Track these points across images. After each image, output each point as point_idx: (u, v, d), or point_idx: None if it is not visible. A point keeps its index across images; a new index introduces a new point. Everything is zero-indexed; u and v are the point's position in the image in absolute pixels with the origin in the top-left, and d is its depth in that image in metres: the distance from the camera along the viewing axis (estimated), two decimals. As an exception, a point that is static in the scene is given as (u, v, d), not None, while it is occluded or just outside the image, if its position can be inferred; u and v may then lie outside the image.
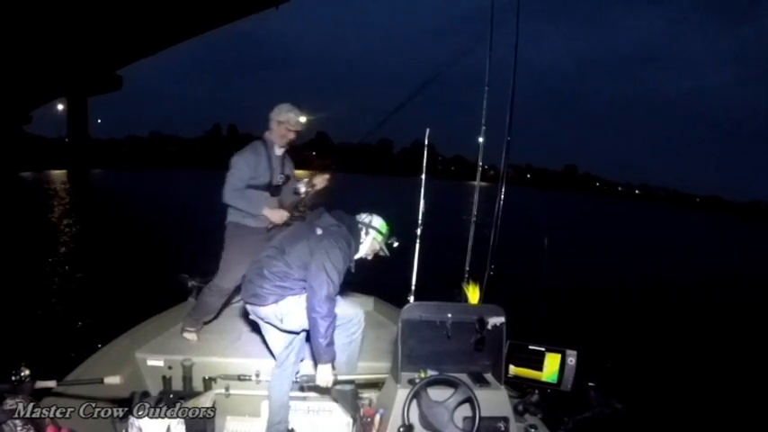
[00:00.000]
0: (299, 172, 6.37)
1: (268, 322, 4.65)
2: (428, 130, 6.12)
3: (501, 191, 5.24)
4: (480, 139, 5.64)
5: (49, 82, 62.40)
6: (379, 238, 4.74)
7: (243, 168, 5.79)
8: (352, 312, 4.79)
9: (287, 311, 4.47)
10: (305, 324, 4.46)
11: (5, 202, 36.51)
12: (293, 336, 4.65)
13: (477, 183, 5.50)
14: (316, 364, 4.51)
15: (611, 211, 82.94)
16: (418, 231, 5.75)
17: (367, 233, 4.67)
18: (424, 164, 5.98)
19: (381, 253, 4.85)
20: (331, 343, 4.37)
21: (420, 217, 5.83)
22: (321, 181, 6.07)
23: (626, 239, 45.17)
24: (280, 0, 50.98)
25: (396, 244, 4.92)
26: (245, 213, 5.88)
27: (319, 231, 4.46)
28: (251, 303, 4.58)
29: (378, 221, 4.77)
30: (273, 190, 5.96)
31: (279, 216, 5.82)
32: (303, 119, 5.97)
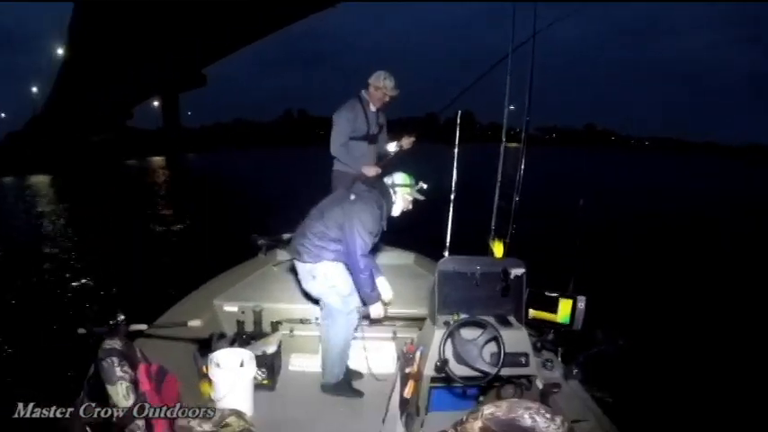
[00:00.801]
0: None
1: (301, 277, 4.68)
2: (459, 112, 6.18)
3: (521, 160, 5.21)
4: (505, 114, 5.60)
5: (145, 83, 63.45)
6: (407, 190, 4.67)
7: (343, 124, 6.12)
8: (352, 319, 4.76)
9: (321, 273, 4.50)
10: (330, 287, 4.54)
11: (116, 185, 38.49)
12: (328, 290, 4.65)
13: (500, 156, 5.46)
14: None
15: (624, 161, 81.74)
16: (452, 197, 5.75)
17: (395, 192, 4.62)
18: (456, 140, 5.99)
19: (418, 199, 4.77)
20: (374, 288, 4.47)
21: (453, 185, 5.83)
22: (408, 142, 6.35)
23: (628, 186, 44.16)
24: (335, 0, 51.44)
25: (425, 186, 4.81)
26: (343, 164, 6.24)
27: (353, 197, 4.47)
28: (294, 258, 4.63)
29: (399, 177, 4.71)
30: (371, 138, 6.25)
31: (373, 171, 6.04)
32: (396, 88, 6.11)
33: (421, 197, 4.75)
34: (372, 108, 6.23)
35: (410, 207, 4.74)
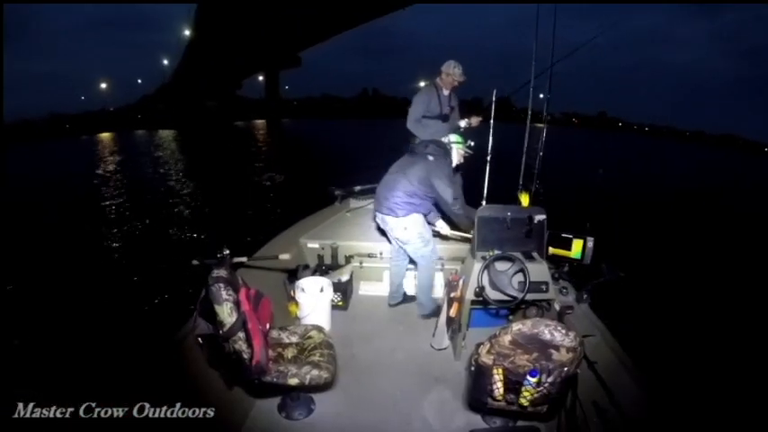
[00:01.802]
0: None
1: (392, 228, 4.62)
2: (495, 91, 6.18)
3: (543, 134, 5.20)
4: (530, 105, 5.65)
5: (252, 62, 64.36)
6: (460, 146, 4.73)
7: (419, 104, 6.04)
8: (430, 256, 4.75)
9: (412, 223, 4.49)
10: (418, 234, 4.53)
11: (228, 140, 40.19)
12: (417, 237, 4.63)
13: (526, 132, 5.44)
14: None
15: (627, 141, 79.83)
16: (488, 158, 5.73)
17: (451, 148, 4.65)
18: (492, 114, 5.99)
19: (467, 154, 4.87)
20: (468, 217, 4.40)
21: (489, 150, 5.86)
22: (476, 121, 6.25)
23: (628, 159, 43.29)
24: (407, 3, 50.53)
25: (472, 143, 4.94)
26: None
27: (431, 158, 4.46)
28: (385, 214, 4.56)
29: (454, 137, 4.76)
30: (444, 117, 6.12)
31: None
32: (463, 75, 6.05)
33: (470, 152, 4.85)
34: (445, 92, 6.15)
35: (462, 161, 4.80)
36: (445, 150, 4.63)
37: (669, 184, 27.17)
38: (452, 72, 5.96)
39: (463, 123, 6.23)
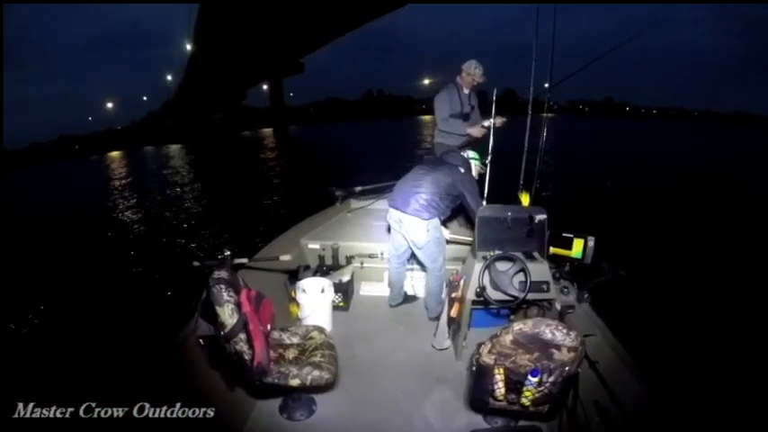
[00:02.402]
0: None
1: (411, 230, 4.48)
2: (495, 90, 6.22)
3: (543, 132, 5.20)
4: (530, 99, 5.59)
5: (256, 70, 64.55)
6: (478, 163, 4.80)
7: (443, 104, 6.10)
8: (442, 262, 4.72)
9: (434, 226, 4.44)
10: (436, 240, 4.51)
11: (236, 150, 41.15)
12: (434, 240, 4.55)
13: (527, 129, 5.44)
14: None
15: (636, 126, 79.10)
16: (488, 159, 5.70)
17: (470, 163, 4.69)
18: (493, 112, 5.98)
19: (482, 170, 5.03)
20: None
21: (490, 149, 5.82)
22: (500, 121, 6.16)
23: (635, 148, 41.84)
24: (406, 1, 50.64)
25: (488, 160, 5.27)
26: (446, 135, 6.20)
27: (462, 170, 4.48)
28: (410, 214, 4.41)
29: (472, 153, 4.81)
30: (464, 117, 6.19)
31: (478, 131, 6.08)
32: (483, 75, 6.09)
33: (485, 168, 5.10)
34: (465, 90, 6.18)
35: (477, 177, 4.80)
36: (469, 164, 4.66)
37: (672, 175, 25.62)
38: (473, 72, 5.98)
39: (486, 123, 6.20)
